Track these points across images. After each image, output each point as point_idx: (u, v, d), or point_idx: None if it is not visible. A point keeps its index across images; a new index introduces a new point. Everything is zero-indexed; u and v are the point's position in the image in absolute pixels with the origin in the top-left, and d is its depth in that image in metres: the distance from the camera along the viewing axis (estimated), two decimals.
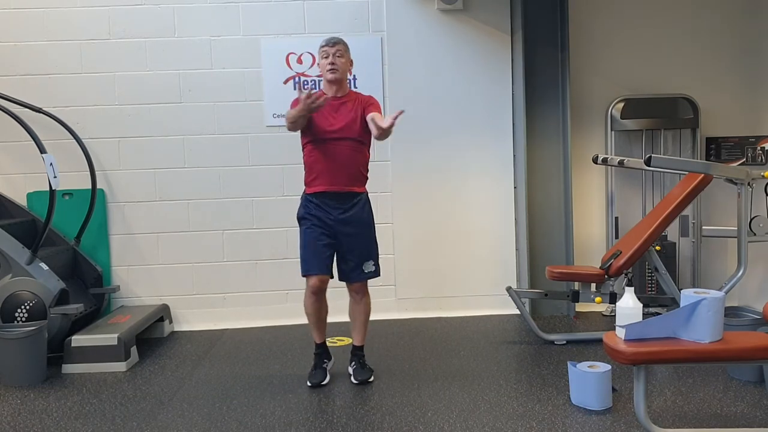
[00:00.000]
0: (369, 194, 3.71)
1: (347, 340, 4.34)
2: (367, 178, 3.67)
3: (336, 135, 3.53)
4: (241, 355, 4.23)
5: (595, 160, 4.72)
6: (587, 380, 3.15)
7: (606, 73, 5.01)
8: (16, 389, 3.72)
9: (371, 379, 3.66)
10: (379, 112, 3.58)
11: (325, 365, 3.76)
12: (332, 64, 3.52)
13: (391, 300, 4.97)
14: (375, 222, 3.69)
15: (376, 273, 3.67)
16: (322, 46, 3.57)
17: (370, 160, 3.67)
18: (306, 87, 3.44)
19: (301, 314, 4.95)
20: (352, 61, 3.64)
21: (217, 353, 4.28)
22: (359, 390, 3.51)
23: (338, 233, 3.57)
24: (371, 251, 3.65)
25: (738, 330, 3.21)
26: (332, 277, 3.65)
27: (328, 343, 4.37)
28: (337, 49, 3.53)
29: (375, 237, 3.68)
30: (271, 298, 4.96)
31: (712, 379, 3.49)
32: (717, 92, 5.00)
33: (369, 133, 3.56)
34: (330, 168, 3.53)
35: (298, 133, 3.64)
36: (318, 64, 3.66)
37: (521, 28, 4.80)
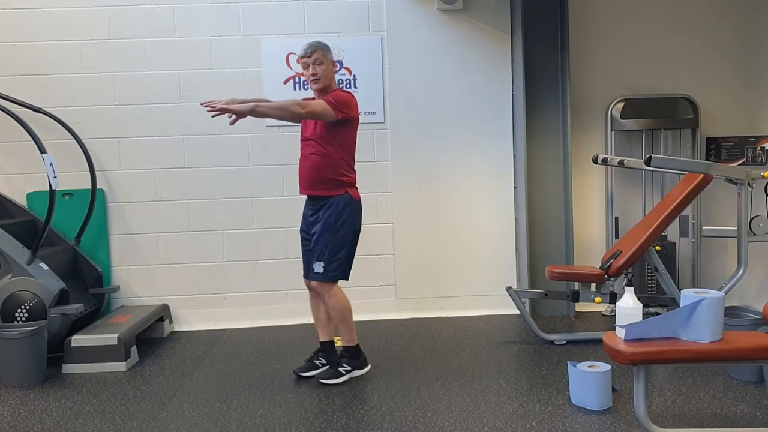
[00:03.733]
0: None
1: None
2: (339, 181, 3.54)
3: (306, 138, 3.61)
4: (241, 355, 4.23)
5: (595, 160, 4.72)
6: (587, 380, 3.15)
7: (606, 73, 5.01)
8: (16, 389, 3.72)
9: (330, 382, 3.57)
10: (326, 102, 3.41)
11: (318, 361, 3.77)
12: (313, 75, 3.52)
13: (391, 300, 4.97)
14: (349, 227, 3.55)
15: (320, 276, 3.53)
16: (301, 57, 3.54)
17: (348, 162, 3.54)
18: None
19: (301, 314, 4.99)
20: (334, 62, 3.59)
21: (217, 353, 4.28)
22: (359, 390, 3.51)
23: (310, 233, 3.64)
24: (322, 253, 3.52)
25: (738, 330, 3.21)
26: None
27: None
28: (315, 58, 3.50)
29: (333, 241, 3.52)
30: (271, 298, 4.96)
31: (712, 379, 3.49)
32: (717, 92, 5.01)
33: (332, 133, 3.50)
34: (301, 172, 3.62)
35: (298, 134, 3.67)
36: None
37: (521, 28, 4.80)
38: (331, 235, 3.53)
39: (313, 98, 3.62)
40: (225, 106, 3.33)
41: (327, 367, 3.71)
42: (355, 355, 3.66)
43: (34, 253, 4.08)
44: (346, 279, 3.64)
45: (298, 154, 5.06)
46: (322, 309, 3.74)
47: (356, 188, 3.65)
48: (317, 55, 3.50)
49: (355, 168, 3.66)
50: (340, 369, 3.63)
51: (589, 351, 4.02)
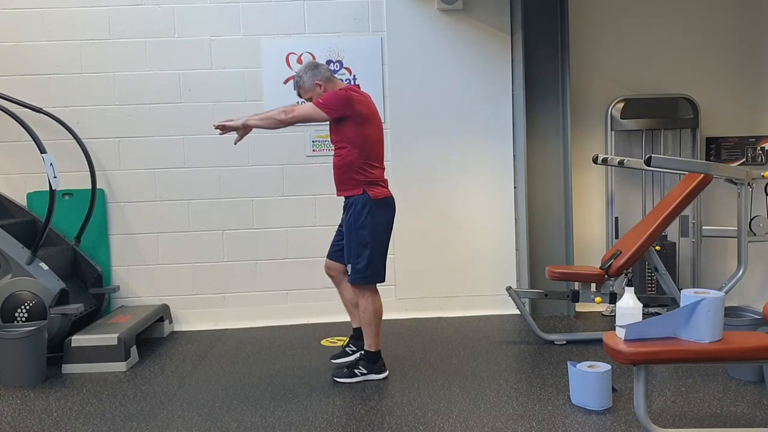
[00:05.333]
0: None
1: (347, 340, 4.34)
2: (355, 180, 3.54)
3: (331, 142, 3.71)
4: (241, 355, 4.23)
5: (595, 160, 4.72)
6: (587, 380, 3.15)
7: (606, 73, 5.01)
8: (16, 389, 3.72)
9: (344, 380, 3.61)
10: (315, 104, 3.50)
11: (348, 348, 3.85)
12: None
13: (391, 300, 4.97)
14: (369, 228, 3.53)
15: (351, 279, 3.59)
16: None
17: (366, 159, 3.53)
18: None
19: (301, 314, 4.99)
20: (315, 83, 3.61)
21: (217, 353, 4.28)
22: (359, 390, 3.51)
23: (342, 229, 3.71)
24: (349, 256, 3.59)
25: (738, 330, 3.21)
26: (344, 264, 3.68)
27: (327, 343, 4.39)
28: (305, 99, 3.69)
29: (355, 243, 3.55)
30: (271, 298, 4.96)
31: (712, 379, 3.49)
32: (717, 92, 5.01)
33: (341, 133, 3.55)
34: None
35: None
36: None
37: (521, 28, 4.80)
38: (352, 237, 3.57)
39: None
40: (221, 123, 3.61)
41: (346, 364, 3.72)
42: (373, 360, 3.66)
43: (34, 253, 4.08)
44: (381, 280, 3.63)
45: (298, 154, 5.09)
46: (346, 293, 3.78)
47: (380, 186, 3.60)
48: (303, 95, 3.70)
49: (380, 165, 3.64)
50: (356, 371, 3.64)
51: (589, 351, 4.02)
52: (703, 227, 4.78)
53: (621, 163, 4.53)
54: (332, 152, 3.65)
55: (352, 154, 3.53)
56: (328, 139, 3.75)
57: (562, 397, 3.31)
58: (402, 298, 5.00)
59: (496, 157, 4.97)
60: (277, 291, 4.96)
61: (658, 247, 4.57)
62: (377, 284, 3.64)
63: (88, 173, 4.69)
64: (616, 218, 4.98)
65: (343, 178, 3.59)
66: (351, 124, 3.52)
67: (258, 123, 3.59)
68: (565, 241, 4.89)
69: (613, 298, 4.06)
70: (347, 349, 3.92)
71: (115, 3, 4.77)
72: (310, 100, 3.64)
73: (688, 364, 3.42)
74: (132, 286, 4.90)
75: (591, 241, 5.08)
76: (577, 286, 4.26)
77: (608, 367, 3.18)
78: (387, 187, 3.66)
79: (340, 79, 4.79)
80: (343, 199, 3.66)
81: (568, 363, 3.26)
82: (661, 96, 4.92)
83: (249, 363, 4.05)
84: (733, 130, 5.00)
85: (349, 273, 3.60)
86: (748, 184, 4.06)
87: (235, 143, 3.71)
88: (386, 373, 3.69)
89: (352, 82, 4.87)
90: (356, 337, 3.86)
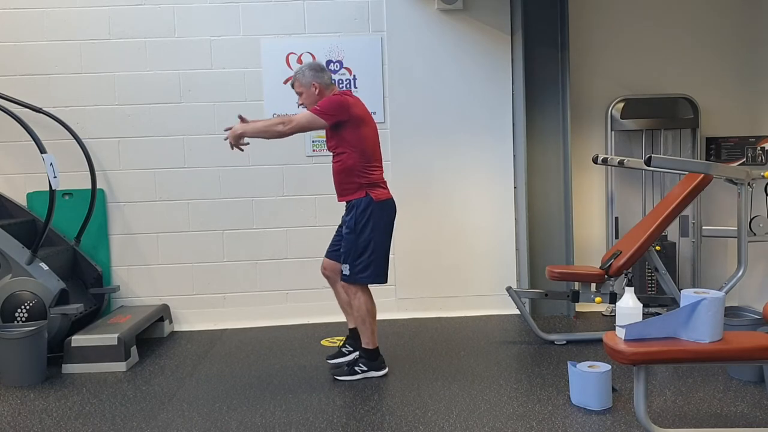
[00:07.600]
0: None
1: (344, 340, 4.34)
2: (357, 184, 3.57)
3: (329, 150, 3.72)
4: (241, 355, 4.23)
5: (595, 160, 4.72)
6: (587, 380, 3.15)
7: (606, 73, 5.01)
8: (16, 389, 3.72)
9: (345, 378, 3.65)
10: (311, 111, 3.50)
11: (345, 349, 3.89)
12: (300, 104, 3.72)
13: (391, 300, 4.97)
14: (371, 229, 3.56)
15: (346, 278, 3.61)
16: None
17: (365, 163, 3.56)
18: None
19: (301, 314, 4.99)
20: (313, 83, 3.61)
21: (217, 353, 4.28)
22: (359, 390, 3.51)
23: (342, 232, 3.71)
24: (347, 256, 3.60)
25: (738, 330, 3.21)
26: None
27: (326, 343, 4.39)
28: (296, 91, 3.68)
29: (358, 244, 3.57)
30: (271, 298, 4.96)
31: (712, 379, 3.49)
32: (717, 92, 5.00)
33: (339, 138, 3.56)
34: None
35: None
36: None
37: (521, 28, 4.80)
38: (353, 238, 3.58)
39: None
40: (228, 132, 3.56)
41: (346, 363, 3.75)
42: (372, 358, 3.68)
43: (34, 253, 4.08)
44: (381, 282, 3.65)
45: (298, 154, 5.11)
46: (343, 294, 3.80)
47: (381, 187, 3.63)
48: (296, 87, 3.68)
49: (379, 166, 3.66)
50: (356, 368, 3.67)
51: (589, 351, 4.02)
52: (703, 227, 4.78)
53: (621, 163, 4.53)
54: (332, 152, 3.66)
55: (352, 157, 3.55)
56: None
57: (562, 397, 3.31)
58: (402, 298, 5.00)
59: (496, 157, 4.97)
60: (277, 291, 4.96)
61: (658, 247, 4.57)
62: (377, 285, 3.65)
63: (88, 173, 4.69)
64: (616, 218, 4.98)
65: (345, 182, 3.60)
66: (349, 128, 3.54)
67: (258, 135, 3.59)
68: (565, 241, 4.89)
69: (613, 298, 4.06)
70: (343, 349, 3.95)
71: (115, 3, 4.77)
72: (300, 95, 3.66)
73: (688, 364, 3.41)
74: (132, 286, 4.90)
75: (591, 241, 5.08)
76: (577, 286, 4.27)
77: (608, 367, 3.18)
78: (387, 189, 3.69)
79: (340, 80, 4.82)
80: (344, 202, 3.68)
81: (568, 363, 3.26)
82: (661, 96, 4.92)
83: (249, 363, 4.05)
84: (733, 130, 5.00)
85: (345, 273, 3.61)
86: (748, 184, 4.06)
87: (232, 149, 3.63)
88: (386, 370, 3.71)
89: (352, 82, 4.87)
90: (353, 337, 3.89)
